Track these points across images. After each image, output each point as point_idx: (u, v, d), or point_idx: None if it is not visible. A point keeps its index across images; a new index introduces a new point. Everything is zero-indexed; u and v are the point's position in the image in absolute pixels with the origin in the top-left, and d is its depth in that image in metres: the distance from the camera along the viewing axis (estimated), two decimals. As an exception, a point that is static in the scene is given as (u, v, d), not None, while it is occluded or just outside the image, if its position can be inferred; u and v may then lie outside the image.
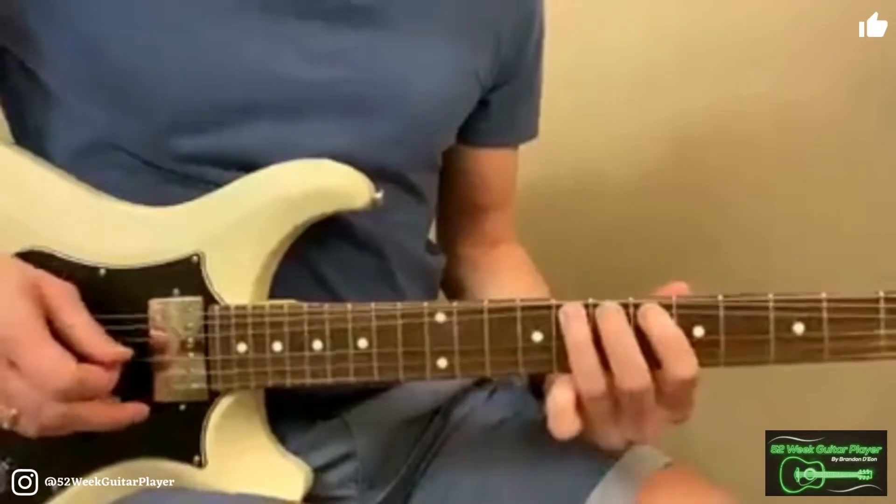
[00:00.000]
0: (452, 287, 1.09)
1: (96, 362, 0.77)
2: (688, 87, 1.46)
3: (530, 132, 1.08)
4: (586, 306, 0.79)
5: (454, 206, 1.07)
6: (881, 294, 0.78)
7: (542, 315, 0.81)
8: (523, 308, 0.81)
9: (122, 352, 0.79)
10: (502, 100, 1.02)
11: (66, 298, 0.78)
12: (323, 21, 0.88)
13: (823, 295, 0.79)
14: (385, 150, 0.90)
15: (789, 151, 1.49)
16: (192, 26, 0.85)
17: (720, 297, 0.80)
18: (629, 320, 0.78)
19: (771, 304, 0.79)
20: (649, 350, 0.78)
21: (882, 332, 0.78)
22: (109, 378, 0.77)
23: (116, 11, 0.84)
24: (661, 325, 0.78)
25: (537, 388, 0.95)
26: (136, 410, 0.81)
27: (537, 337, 0.81)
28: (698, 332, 0.79)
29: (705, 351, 0.79)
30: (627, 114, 1.47)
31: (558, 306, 0.80)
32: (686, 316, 0.79)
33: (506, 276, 1.07)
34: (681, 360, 0.77)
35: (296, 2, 0.87)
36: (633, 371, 0.77)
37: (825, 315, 0.78)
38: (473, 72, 0.96)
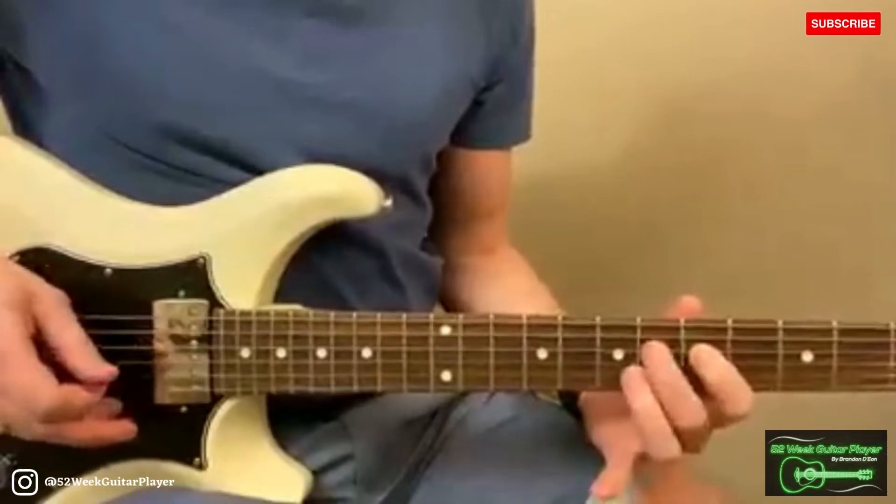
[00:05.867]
0: (450, 297, 1.07)
1: (81, 380, 0.76)
2: (680, 68, 1.46)
3: (523, 134, 1.06)
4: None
5: (449, 214, 1.06)
6: (892, 326, 0.78)
7: (548, 331, 0.80)
8: (529, 325, 0.80)
9: (108, 371, 0.77)
10: (495, 100, 1.01)
11: (55, 310, 0.77)
12: (317, 21, 0.87)
13: (834, 324, 0.78)
14: (378, 150, 0.89)
15: (788, 135, 1.49)
16: (187, 23, 0.84)
17: (730, 322, 0.79)
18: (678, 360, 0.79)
19: (780, 330, 0.79)
20: (701, 387, 0.78)
21: (892, 364, 0.78)
22: (92, 398, 0.76)
23: (112, 8, 0.83)
24: (717, 369, 0.78)
25: (569, 403, 0.94)
26: (122, 429, 0.80)
27: (542, 354, 0.80)
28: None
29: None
30: (615, 94, 1.46)
31: (564, 324, 0.80)
32: (693, 341, 0.79)
33: (506, 282, 1.06)
34: (739, 398, 0.78)
35: (292, 2, 0.86)
36: (692, 414, 0.78)
37: (836, 346, 0.78)
38: (466, 71, 0.96)
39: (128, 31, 0.84)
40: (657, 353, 0.79)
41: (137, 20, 0.84)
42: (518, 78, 1.02)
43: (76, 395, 0.75)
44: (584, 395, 0.90)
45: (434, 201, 1.03)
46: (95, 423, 0.78)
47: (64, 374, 0.75)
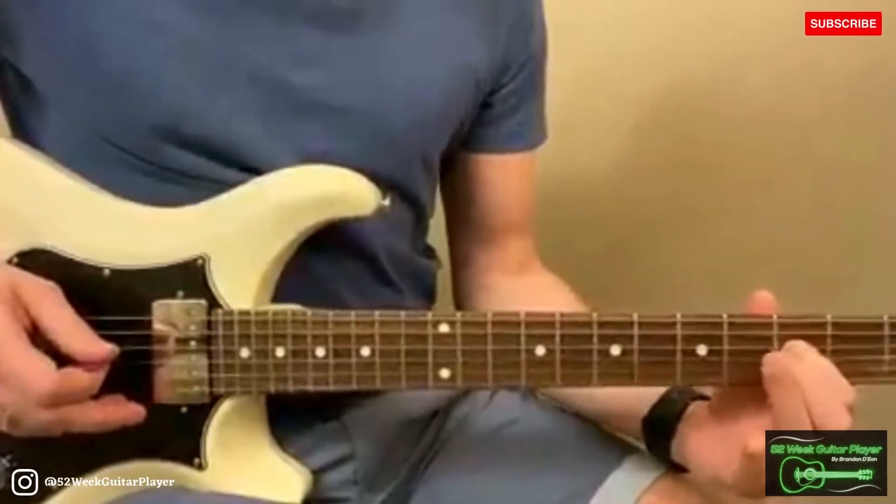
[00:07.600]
0: None
1: (80, 363, 0.76)
2: (678, 68, 1.47)
3: (539, 135, 1.05)
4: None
5: (472, 229, 1.05)
6: (885, 319, 0.79)
7: (546, 328, 0.81)
8: (527, 322, 0.80)
9: (106, 349, 0.76)
10: (505, 102, 1.00)
11: (46, 298, 0.77)
12: (314, 24, 0.87)
13: (829, 317, 0.78)
14: (377, 152, 0.89)
15: (787, 134, 1.50)
16: (179, 24, 0.84)
17: (725, 316, 0.80)
18: None
19: (775, 323, 0.79)
20: None
21: (886, 357, 0.79)
22: (93, 379, 0.76)
23: (102, 9, 0.84)
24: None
25: (657, 445, 0.90)
26: (131, 412, 0.80)
27: (540, 351, 0.80)
28: (702, 350, 0.80)
29: (710, 370, 0.80)
30: (615, 93, 1.47)
31: (562, 321, 0.80)
32: (690, 337, 0.80)
33: (545, 300, 1.02)
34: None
35: (286, 5, 0.87)
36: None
37: (829, 336, 0.79)
38: (469, 73, 0.95)
39: (119, 34, 0.84)
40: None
41: (128, 22, 0.84)
42: (530, 77, 1.01)
43: (74, 375, 0.74)
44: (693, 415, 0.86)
45: (455, 216, 1.03)
46: (103, 406, 0.78)
47: (65, 362, 0.75)
